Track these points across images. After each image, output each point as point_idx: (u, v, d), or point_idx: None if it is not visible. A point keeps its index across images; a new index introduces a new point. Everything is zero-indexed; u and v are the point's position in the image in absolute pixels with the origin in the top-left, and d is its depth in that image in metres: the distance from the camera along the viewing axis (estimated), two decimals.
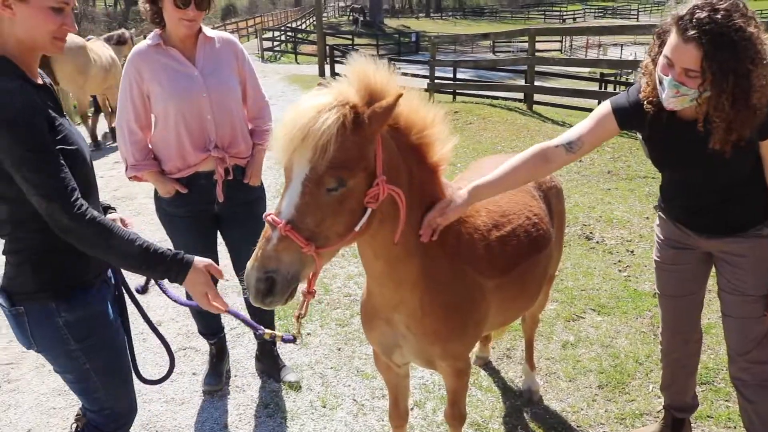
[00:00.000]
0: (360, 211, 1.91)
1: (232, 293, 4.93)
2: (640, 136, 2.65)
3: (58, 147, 2.00)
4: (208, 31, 3.30)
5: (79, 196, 1.99)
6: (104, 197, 8.69)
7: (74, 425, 2.61)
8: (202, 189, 3.34)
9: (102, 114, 11.72)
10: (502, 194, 2.78)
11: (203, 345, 4.24)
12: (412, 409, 3.57)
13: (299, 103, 1.87)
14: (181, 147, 3.25)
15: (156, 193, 3.42)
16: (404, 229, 2.11)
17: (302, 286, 2.00)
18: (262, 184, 3.57)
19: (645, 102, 2.43)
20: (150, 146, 3.35)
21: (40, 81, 2.14)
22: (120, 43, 11.88)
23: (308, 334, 4.46)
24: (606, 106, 2.56)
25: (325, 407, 3.66)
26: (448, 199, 2.24)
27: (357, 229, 1.90)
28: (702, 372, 3.76)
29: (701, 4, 2.14)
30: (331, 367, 4.05)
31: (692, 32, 2.10)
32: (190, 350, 4.34)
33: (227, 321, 4.55)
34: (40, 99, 2.02)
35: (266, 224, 1.86)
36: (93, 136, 10.86)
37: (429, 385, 3.82)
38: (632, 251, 5.60)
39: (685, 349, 3.02)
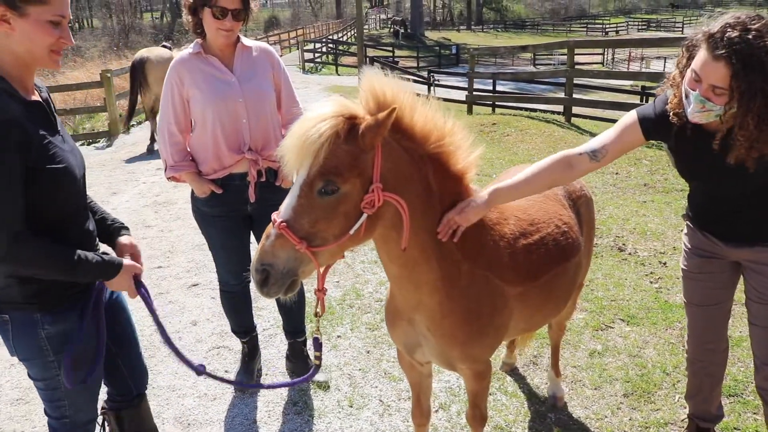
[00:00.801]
0: (356, 215, 2.00)
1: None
2: (666, 146, 2.67)
3: (46, 166, 2.04)
4: (246, 40, 3.46)
5: (19, 224, 2.00)
6: (146, 202, 8.86)
7: (101, 417, 2.72)
8: (236, 189, 3.48)
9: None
10: (533, 203, 2.83)
11: (236, 344, 4.37)
12: (436, 411, 3.63)
13: (306, 114, 2.00)
14: (218, 149, 3.40)
15: (192, 194, 3.57)
16: (420, 234, 2.18)
17: (312, 284, 2.12)
18: None
19: (671, 114, 2.46)
20: (188, 149, 3.51)
21: (35, 97, 2.16)
22: None
23: (338, 336, 4.56)
24: (632, 115, 2.58)
25: (352, 407, 3.74)
26: (468, 200, 2.29)
27: (351, 232, 1.99)
28: (731, 384, 3.74)
29: (733, 23, 2.15)
30: (360, 369, 4.14)
31: (722, 51, 2.12)
32: (224, 349, 4.47)
33: (259, 321, 4.69)
34: (27, 117, 2.03)
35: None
36: (152, 137, 11.58)
37: (454, 388, 3.87)
38: (665, 263, 5.56)
39: (712, 358, 3.01)
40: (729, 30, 2.13)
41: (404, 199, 2.08)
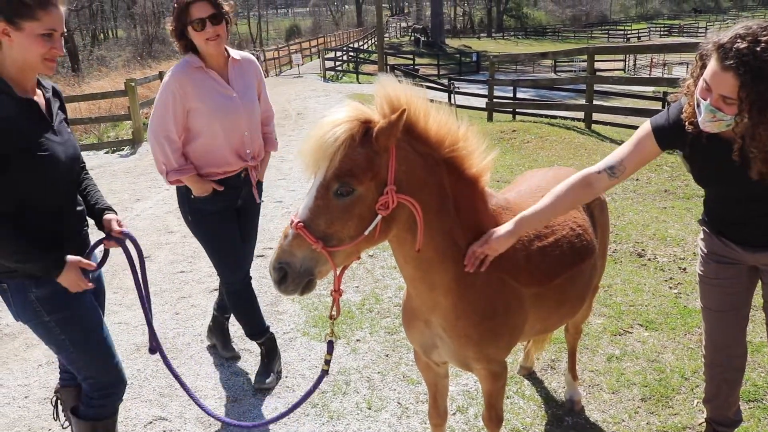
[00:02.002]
0: (371, 217, 2.06)
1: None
2: (681, 154, 2.68)
3: (33, 152, 2.38)
4: (234, 53, 3.69)
5: None
6: (169, 209, 8.97)
7: (53, 397, 3.07)
8: (232, 185, 3.73)
9: None
10: None
11: (257, 347, 4.42)
12: (454, 413, 3.67)
13: (323, 119, 2.07)
14: (224, 158, 3.64)
15: (184, 197, 3.75)
16: (435, 236, 2.23)
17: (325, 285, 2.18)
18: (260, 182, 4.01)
19: (686, 123, 2.45)
20: (188, 153, 3.66)
21: (36, 96, 2.52)
22: None
23: (358, 340, 4.61)
24: (646, 127, 2.57)
25: (370, 409, 3.79)
26: (491, 231, 2.36)
27: (366, 233, 2.05)
28: (750, 389, 3.72)
29: (743, 33, 2.16)
30: (378, 372, 4.19)
31: (731, 61, 2.13)
32: (245, 351, 4.54)
33: (280, 325, 4.76)
34: (18, 112, 2.40)
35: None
36: None
37: (472, 391, 3.90)
38: (684, 269, 5.54)
39: (729, 363, 3.00)
40: (738, 41, 2.14)
41: (418, 201, 2.13)
